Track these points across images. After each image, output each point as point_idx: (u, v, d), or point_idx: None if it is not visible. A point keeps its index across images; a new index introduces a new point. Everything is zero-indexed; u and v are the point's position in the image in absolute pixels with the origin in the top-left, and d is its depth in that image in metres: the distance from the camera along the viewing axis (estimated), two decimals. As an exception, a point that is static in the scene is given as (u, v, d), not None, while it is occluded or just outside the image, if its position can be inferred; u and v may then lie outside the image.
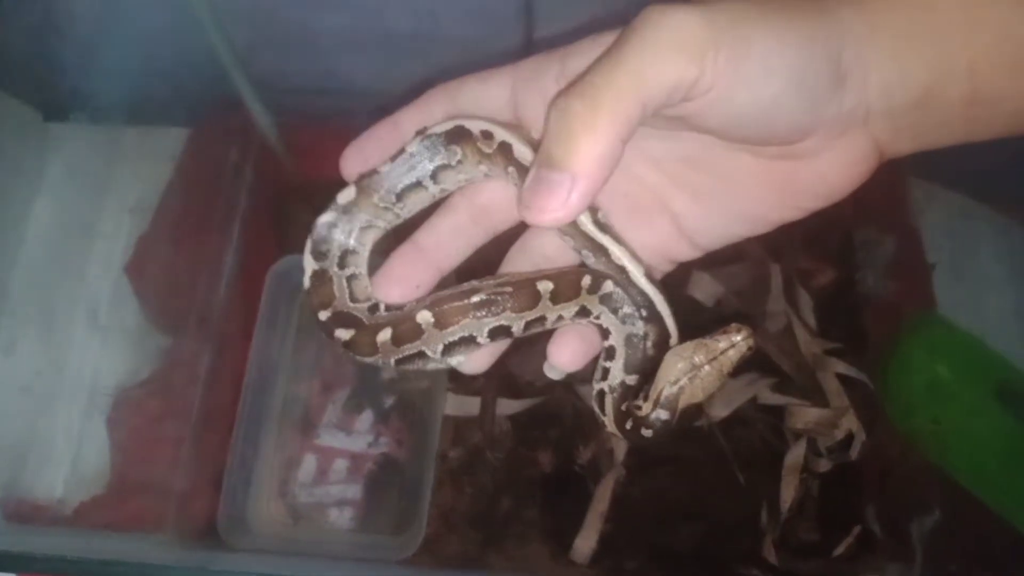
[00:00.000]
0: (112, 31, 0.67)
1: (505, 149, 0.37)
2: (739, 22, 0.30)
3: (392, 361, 0.39)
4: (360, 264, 0.41)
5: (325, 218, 0.41)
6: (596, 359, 0.41)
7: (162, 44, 0.70)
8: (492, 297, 0.37)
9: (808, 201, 0.37)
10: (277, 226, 0.88)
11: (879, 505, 0.77)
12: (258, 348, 0.79)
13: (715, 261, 0.83)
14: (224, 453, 0.76)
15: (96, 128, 0.71)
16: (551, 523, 0.77)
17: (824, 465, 0.77)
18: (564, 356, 0.39)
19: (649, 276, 0.39)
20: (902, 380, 0.75)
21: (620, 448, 0.78)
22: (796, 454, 0.77)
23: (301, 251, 0.90)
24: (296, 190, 0.89)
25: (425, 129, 0.38)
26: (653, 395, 0.39)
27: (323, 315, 0.40)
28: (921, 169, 0.78)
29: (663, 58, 0.29)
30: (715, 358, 0.40)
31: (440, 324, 0.37)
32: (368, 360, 0.39)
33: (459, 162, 0.38)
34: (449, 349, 0.38)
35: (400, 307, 0.39)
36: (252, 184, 0.80)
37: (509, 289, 0.37)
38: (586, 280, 0.38)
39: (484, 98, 0.39)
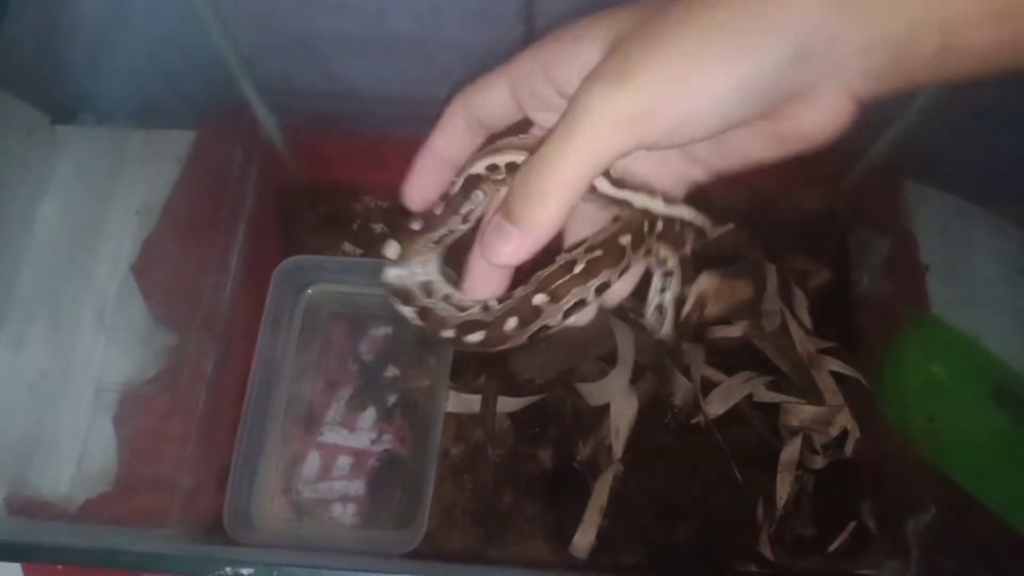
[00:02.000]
0: (118, 35, 0.67)
1: (513, 168, 0.40)
2: (682, 69, 0.30)
3: (524, 338, 0.42)
4: (442, 285, 0.44)
5: (389, 275, 0.43)
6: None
7: (168, 47, 0.71)
8: (590, 264, 0.41)
9: (794, 144, 0.37)
10: (282, 227, 0.89)
11: (874, 501, 0.78)
12: (263, 347, 0.80)
13: (712, 262, 0.84)
14: (229, 450, 0.77)
15: (103, 130, 0.72)
16: (551, 519, 0.78)
17: (819, 462, 0.78)
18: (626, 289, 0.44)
19: (668, 200, 0.42)
20: (897, 379, 0.76)
21: (618, 445, 0.79)
22: (791, 451, 0.78)
23: (306, 251, 0.90)
24: (301, 191, 0.90)
25: (446, 194, 0.42)
26: (692, 297, 0.46)
27: (447, 333, 0.42)
28: (915, 171, 0.79)
29: (606, 136, 0.32)
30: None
31: (555, 299, 0.41)
32: (501, 348, 0.42)
33: (482, 199, 0.42)
34: (566, 315, 0.41)
35: (509, 295, 0.42)
36: (257, 185, 0.81)
37: (600, 252, 0.41)
38: (645, 226, 0.42)
39: (490, 105, 0.40)
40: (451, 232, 0.43)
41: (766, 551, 0.75)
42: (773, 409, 0.80)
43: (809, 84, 0.33)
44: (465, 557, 0.77)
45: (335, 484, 0.81)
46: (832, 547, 0.77)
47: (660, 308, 0.46)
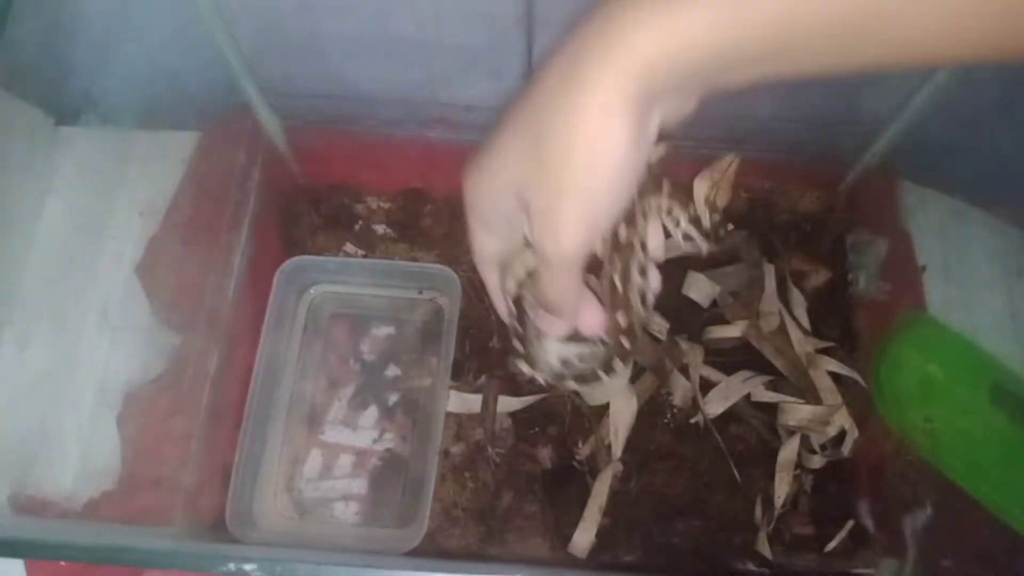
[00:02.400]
0: (122, 36, 0.68)
1: (531, 272, 0.47)
2: (583, 201, 0.37)
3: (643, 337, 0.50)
4: (569, 349, 0.51)
5: (546, 381, 0.51)
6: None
7: (171, 49, 0.71)
8: (622, 271, 0.45)
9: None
10: (284, 227, 0.89)
11: (872, 500, 0.78)
12: (265, 347, 0.81)
13: (711, 263, 0.85)
14: (232, 449, 0.77)
15: (107, 131, 0.72)
16: (551, 517, 0.78)
17: (817, 461, 0.79)
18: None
19: None
20: (894, 379, 0.76)
21: (617, 444, 0.79)
22: (790, 450, 0.78)
23: (308, 252, 0.91)
24: (303, 192, 0.91)
25: (512, 318, 0.50)
26: (701, 206, 0.51)
27: (605, 376, 0.50)
28: (912, 173, 0.79)
29: (573, 264, 0.40)
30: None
31: (629, 308, 0.46)
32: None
33: (532, 300, 0.48)
34: (644, 304, 0.48)
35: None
36: (260, 186, 0.82)
37: (617, 257, 0.46)
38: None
39: (496, 249, 0.47)
40: (534, 329, 0.50)
41: (764, 550, 0.75)
42: (771, 409, 0.80)
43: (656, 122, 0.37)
44: (465, 555, 0.77)
45: (337, 483, 0.82)
46: (830, 546, 0.77)
47: (687, 237, 0.51)
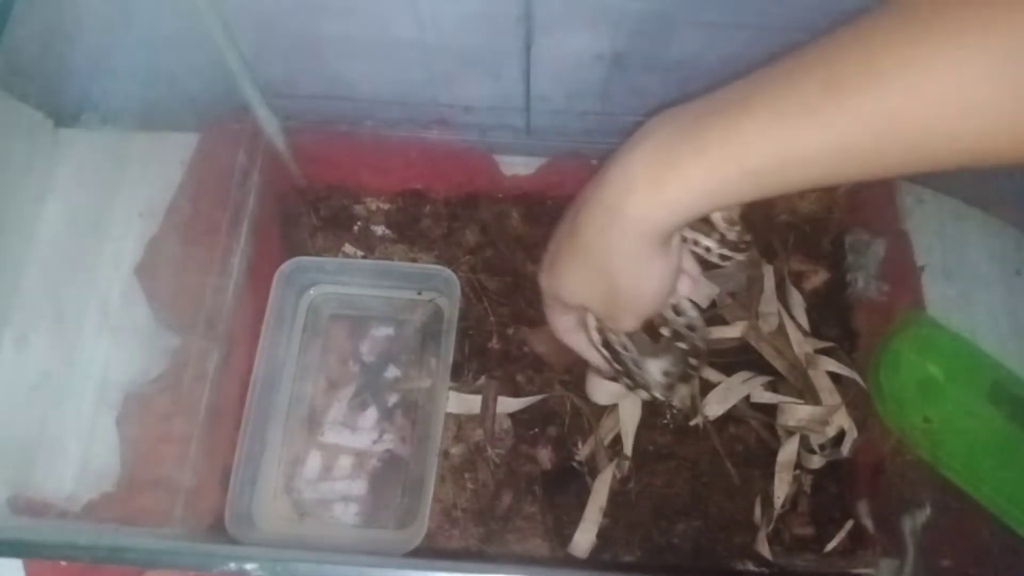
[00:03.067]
0: (122, 38, 0.68)
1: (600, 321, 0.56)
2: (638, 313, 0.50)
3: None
4: (680, 363, 0.59)
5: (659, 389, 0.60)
6: None
7: (171, 50, 0.71)
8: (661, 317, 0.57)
9: None
10: (284, 229, 0.89)
11: (871, 501, 0.78)
12: (265, 348, 0.81)
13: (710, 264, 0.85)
14: (231, 450, 0.77)
15: (106, 133, 0.72)
16: (551, 518, 0.78)
17: (817, 461, 0.79)
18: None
19: None
20: (893, 379, 0.76)
21: (628, 444, 0.79)
22: (789, 451, 0.79)
23: (307, 253, 0.91)
24: (302, 193, 0.91)
25: (610, 364, 0.58)
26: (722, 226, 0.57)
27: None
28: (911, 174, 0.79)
29: None
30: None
31: (687, 332, 0.58)
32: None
33: (614, 338, 0.57)
34: (695, 329, 0.58)
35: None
36: (259, 187, 0.82)
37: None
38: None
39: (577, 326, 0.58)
40: (631, 361, 0.59)
41: (764, 550, 0.75)
42: (771, 409, 0.80)
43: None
44: (465, 556, 0.77)
45: (336, 484, 0.82)
46: (829, 546, 0.77)
47: (724, 258, 0.57)
